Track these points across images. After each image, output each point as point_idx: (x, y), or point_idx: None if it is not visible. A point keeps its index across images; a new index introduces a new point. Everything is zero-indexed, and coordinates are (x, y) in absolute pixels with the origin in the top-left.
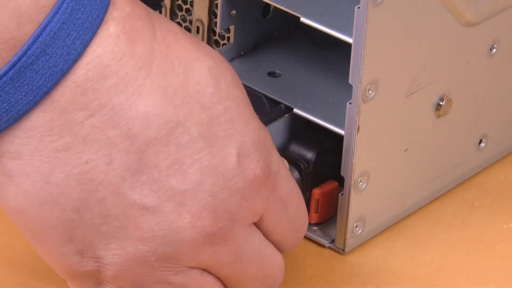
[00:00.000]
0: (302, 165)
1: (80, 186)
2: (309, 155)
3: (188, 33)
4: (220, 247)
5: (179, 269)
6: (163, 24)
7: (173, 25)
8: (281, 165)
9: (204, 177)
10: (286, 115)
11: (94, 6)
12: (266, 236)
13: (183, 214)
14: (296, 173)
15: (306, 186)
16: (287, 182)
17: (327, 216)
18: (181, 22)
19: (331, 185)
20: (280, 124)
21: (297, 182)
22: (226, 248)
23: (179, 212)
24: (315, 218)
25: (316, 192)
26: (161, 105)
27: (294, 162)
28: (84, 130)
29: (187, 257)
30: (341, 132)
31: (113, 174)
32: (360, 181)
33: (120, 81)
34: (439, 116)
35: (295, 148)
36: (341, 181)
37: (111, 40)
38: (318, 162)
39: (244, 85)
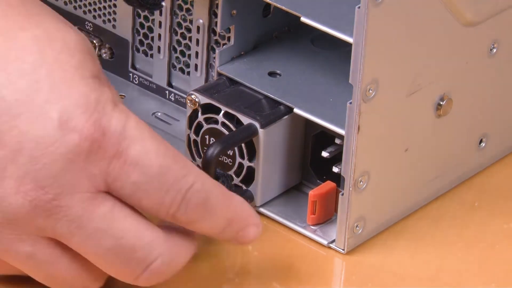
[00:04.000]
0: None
1: None
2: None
3: (32, 4)
4: (56, 215)
5: (23, 237)
6: None
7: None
8: (129, 125)
9: (23, 143)
10: (286, 116)
11: None
12: (131, 205)
13: (6, 180)
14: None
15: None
16: (139, 143)
17: (325, 218)
18: (181, 22)
19: (328, 186)
20: (281, 125)
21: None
22: (64, 215)
23: (1, 178)
24: (313, 220)
25: (313, 194)
26: None
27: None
28: None
29: (22, 223)
30: (341, 132)
31: None
32: (360, 181)
33: None
34: (439, 116)
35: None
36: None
37: None
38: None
39: (244, 85)
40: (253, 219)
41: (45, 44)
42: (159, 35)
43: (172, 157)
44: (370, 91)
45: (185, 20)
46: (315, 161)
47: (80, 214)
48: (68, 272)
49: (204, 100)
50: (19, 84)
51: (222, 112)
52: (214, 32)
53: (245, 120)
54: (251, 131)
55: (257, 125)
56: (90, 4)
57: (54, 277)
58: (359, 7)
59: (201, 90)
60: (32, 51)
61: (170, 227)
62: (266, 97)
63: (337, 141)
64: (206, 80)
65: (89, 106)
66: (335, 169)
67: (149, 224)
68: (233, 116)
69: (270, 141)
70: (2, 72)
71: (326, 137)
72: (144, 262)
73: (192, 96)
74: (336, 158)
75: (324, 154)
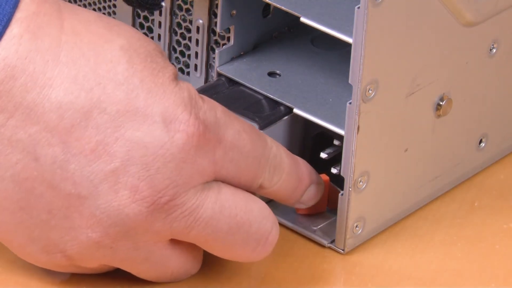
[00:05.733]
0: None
1: (18, 186)
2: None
3: (106, 17)
4: (173, 214)
5: (140, 244)
6: (74, 15)
7: (87, 14)
8: (218, 112)
9: (132, 151)
10: (286, 117)
11: None
12: (232, 184)
13: (120, 192)
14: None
15: None
16: (230, 126)
17: (316, 210)
18: (181, 22)
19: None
20: (280, 126)
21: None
22: (180, 213)
23: (115, 191)
24: (303, 210)
25: None
26: (72, 92)
27: None
28: (7, 132)
29: (140, 231)
30: (341, 132)
31: (42, 170)
32: (360, 181)
33: (29, 78)
34: (439, 116)
35: None
36: (336, 179)
37: (15, 41)
38: None
39: (244, 85)
40: (316, 177)
41: (131, 53)
42: (159, 35)
43: (254, 131)
44: (370, 91)
45: (184, 20)
46: (314, 162)
47: (195, 206)
48: (177, 266)
49: None
50: (116, 95)
51: None
52: (214, 32)
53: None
54: None
55: (256, 126)
56: (90, 4)
57: (164, 273)
58: (358, 7)
59: (200, 91)
60: (121, 61)
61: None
62: (265, 97)
63: (336, 142)
64: (206, 80)
65: (186, 104)
66: (333, 170)
67: (253, 197)
68: None
69: None
70: (97, 86)
71: (325, 138)
72: (262, 235)
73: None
74: (335, 159)
75: (323, 155)
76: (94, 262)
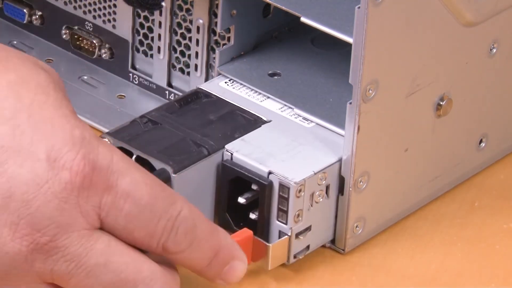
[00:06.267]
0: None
1: None
2: None
3: (3, 48)
4: (54, 256)
5: (21, 285)
6: None
7: None
8: (115, 158)
9: (13, 188)
10: (202, 160)
11: None
12: (123, 238)
13: (0, 229)
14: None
15: None
16: (128, 174)
17: None
18: (181, 22)
19: (245, 234)
20: (195, 170)
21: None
22: (61, 256)
23: None
24: None
25: None
26: None
27: None
28: None
29: (21, 271)
30: (341, 131)
31: None
32: (360, 181)
33: None
34: (439, 116)
35: None
36: (255, 225)
37: None
38: None
39: (244, 85)
40: (239, 252)
41: (19, 87)
42: (159, 35)
43: (159, 186)
44: (370, 91)
45: (185, 20)
46: (231, 207)
47: (79, 253)
48: None
49: (117, 143)
50: (1, 131)
51: (134, 156)
52: (214, 32)
53: (158, 164)
54: (164, 177)
55: (170, 170)
56: (90, 4)
57: None
58: (359, 7)
59: (114, 133)
60: (8, 96)
61: (158, 261)
62: (190, 135)
63: (254, 187)
64: (206, 79)
65: (75, 142)
66: (252, 216)
67: (145, 257)
68: (146, 160)
69: (184, 186)
70: None
71: (243, 183)
72: None
73: (105, 139)
74: (253, 204)
75: (241, 200)
76: None
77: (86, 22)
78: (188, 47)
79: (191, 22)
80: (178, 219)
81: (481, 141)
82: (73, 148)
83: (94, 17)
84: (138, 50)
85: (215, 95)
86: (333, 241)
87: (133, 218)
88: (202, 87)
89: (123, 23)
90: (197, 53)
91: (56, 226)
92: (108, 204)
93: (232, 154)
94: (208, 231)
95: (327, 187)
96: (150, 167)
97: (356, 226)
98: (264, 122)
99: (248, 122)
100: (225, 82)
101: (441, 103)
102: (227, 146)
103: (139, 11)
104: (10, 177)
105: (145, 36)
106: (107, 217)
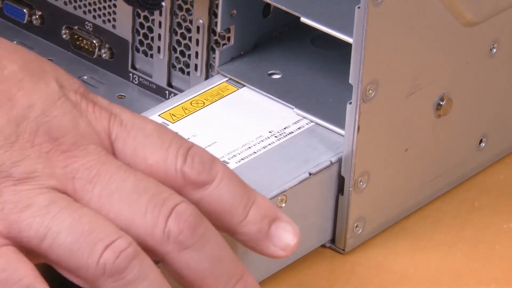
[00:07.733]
0: None
1: None
2: None
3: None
4: (74, 164)
5: (43, 190)
6: None
7: None
8: (116, 107)
9: (32, 100)
10: None
11: None
12: (141, 164)
13: (21, 135)
14: None
15: None
16: (129, 111)
17: None
18: (181, 22)
19: None
20: None
21: None
22: (81, 164)
23: (17, 134)
24: None
25: None
26: None
27: None
28: None
29: (42, 175)
30: (341, 131)
31: None
32: (360, 181)
33: None
34: (439, 116)
35: None
36: None
37: None
38: None
39: (243, 85)
40: (282, 215)
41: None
42: (159, 35)
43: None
44: (370, 91)
45: (185, 20)
46: None
47: (99, 160)
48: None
49: None
50: (13, 67)
51: None
52: (214, 32)
53: None
54: None
55: None
56: (90, 4)
57: (76, 227)
58: (359, 7)
59: None
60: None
61: None
62: None
63: None
64: (206, 79)
65: (75, 80)
66: None
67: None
68: None
69: None
70: None
71: None
72: (171, 201)
73: None
74: None
75: None
76: None
77: (86, 22)
78: (188, 47)
79: (191, 22)
80: (192, 149)
81: (481, 141)
82: (74, 82)
83: (94, 17)
84: (138, 50)
85: None
86: (333, 241)
87: (141, 142)
88: None
89: (123, 23)
90: (197, 53)
91: (73, 136)
92: (116, 127)
93: None
94: (230, 170)
95: None
96: None
97: (356, 226)
98: None
99: None
100: (225, 82)
101: (441, 103)
102: None
103: (139, 11)
104: (28, 92)
105: (145, 36)
106: (116, 140)
